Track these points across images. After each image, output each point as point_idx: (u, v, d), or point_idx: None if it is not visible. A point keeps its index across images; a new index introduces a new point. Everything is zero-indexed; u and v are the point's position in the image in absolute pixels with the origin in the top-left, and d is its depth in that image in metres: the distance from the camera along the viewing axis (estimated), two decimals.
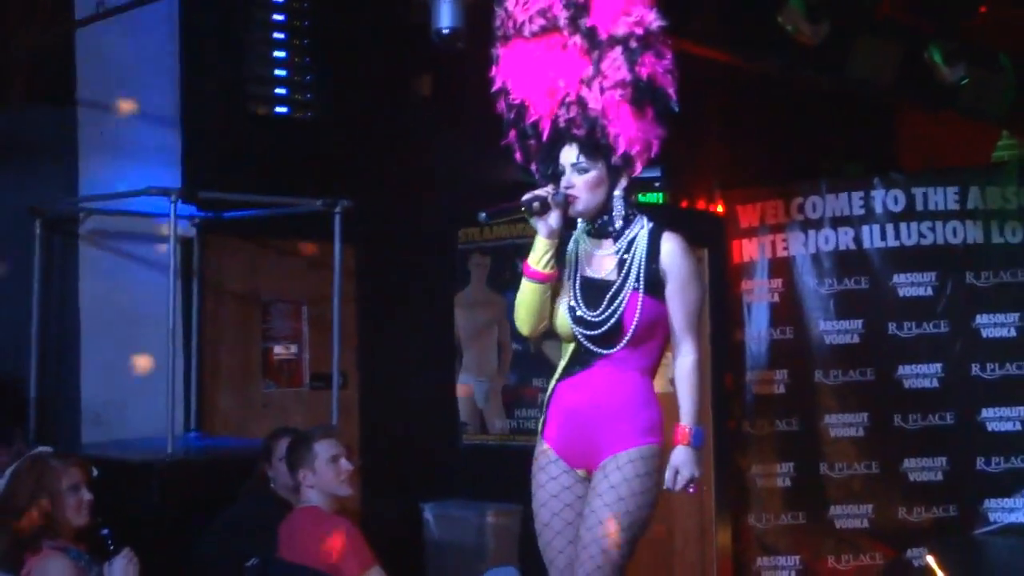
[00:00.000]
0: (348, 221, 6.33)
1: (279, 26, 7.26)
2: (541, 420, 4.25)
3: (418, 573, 7.07)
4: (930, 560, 7.72)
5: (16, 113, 6.47)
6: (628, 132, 3.94)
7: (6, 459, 5.21)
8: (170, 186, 6.01)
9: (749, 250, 8.58)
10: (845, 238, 8.40)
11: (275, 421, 6.46)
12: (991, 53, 7.86)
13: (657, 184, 8.63)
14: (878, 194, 8.35)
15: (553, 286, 4.09)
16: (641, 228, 4.05)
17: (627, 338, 3.97)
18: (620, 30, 3.96)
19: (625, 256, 4.02)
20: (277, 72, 7.28)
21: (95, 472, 4.58)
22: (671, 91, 4.00)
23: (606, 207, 4.04)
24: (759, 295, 8.54)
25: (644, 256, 4.00)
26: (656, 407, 4.04)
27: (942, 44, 7.43)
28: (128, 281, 6.44)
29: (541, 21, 4.07)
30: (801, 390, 8.45)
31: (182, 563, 5.24)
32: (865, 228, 8.37)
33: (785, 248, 8.51)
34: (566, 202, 4.00)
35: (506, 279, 7.02)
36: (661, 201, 8.81)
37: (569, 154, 4.02)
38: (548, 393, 4.22)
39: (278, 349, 7.13)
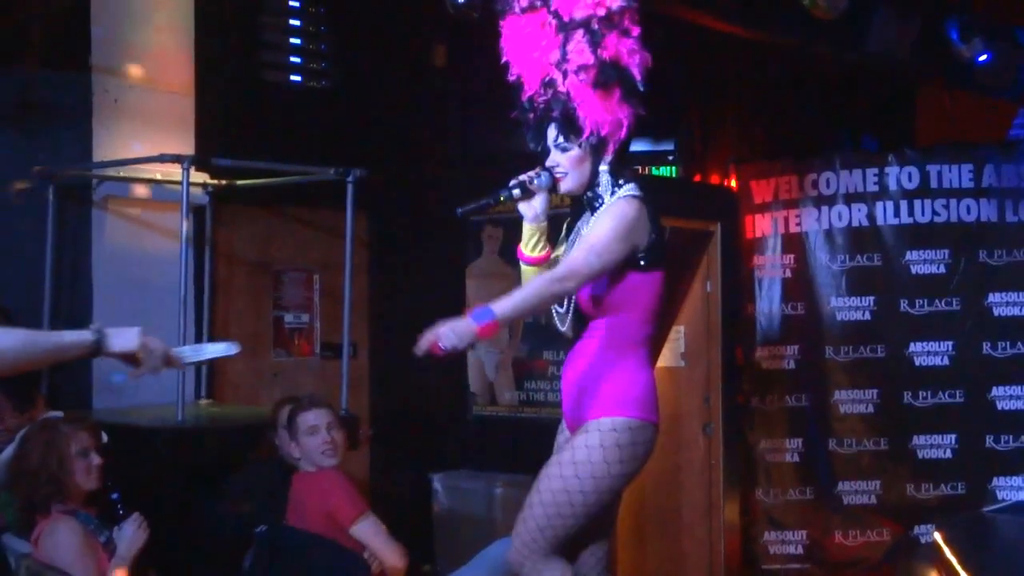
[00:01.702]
0: (361, 190, 6.33)
1: None
2: None
3: (427, 543, 7.10)
4: (938, 537, 7.69)
5: (31, 79, 6.47)
6: (594, 114, 3.91)
7: (16, 422, 5.26)
8: (183, 153, 6.02)
9: (762, 225, 8.55)
10: (858, 214, 8.37)
11: (286, 390, 6.50)
12: (1008, 29, 7.81)
13: (670, 158, 8.64)
14: (892, 171, 8.31)
15: (551, 265, 4.08)
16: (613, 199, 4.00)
17: (571, 310, 4.02)
18: (581, 13, 3.93)
19: None
20: (292, 40, 7.29)
21: (105, 437, 4.60)
22: (636, 70, 3.94)
23: (594, 182, 4.04)
24: (771, 270, 8.52)
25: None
26: (627, 380, 3.97)
27: (959, 19, 7.39)
28: (140, 248, 6.46)
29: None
30: (811, 366, 8.43)
31: (191, 528, 5.27)
32: (879, 204, 8.33)
33: (798, 224, 8.48)
34: (553, 184, 4.01)
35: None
36: (674, 175, 8.81)
37: (551, 133, 4.03)
38: None
39: (289, 318, 7.15)
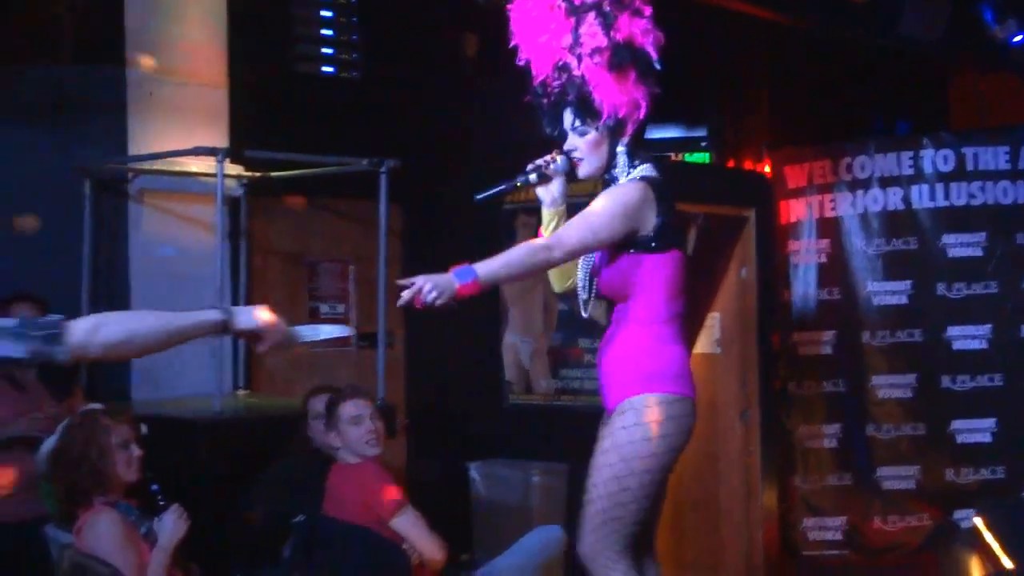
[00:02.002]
0: (394, 180, 6.34)
1: None
2: None
3: (464, 532, 7.11)
4: (978, 522, 7.64)
5: (66, 74, 6.53)
6: (611, 97, 3.89)
7: (55, 411, 5.32)
8: (217, 146, 6.05)
9: (797, 210, 8.52)
10: (894, 198, 8.33)
11: (322, 380, 6.48)
12: None
13: (703, 144, 8.62)
14: (927, 154, 8.26)
15: None
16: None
17: (593, 294, 4.05)
18: None
19: None
20: (323, 32, 7.31)
21: (144, 429, 4.62)
22: (651, 50, 3.93)
23: (612, 164, 4.02)
24: (806, 256, 8.48)
25: None
26: (656, 355, 3.94)
27: (992, 0, 7.34)
28: (176, 240, 6.50)
29: None
30: (848, 351, 8.40)
31: (230, 519, 5.30)
32: (914, 188, 8.29)
33: (833, 208, 8.44)
34: (571, 167, 4.00)
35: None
36: (707, 161, 8.78)
37: (567, 117, 4.01)
38: None
39: (324, 308, 7.18)
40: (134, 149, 6.43)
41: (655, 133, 8.83)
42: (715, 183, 8.22)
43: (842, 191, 8.42)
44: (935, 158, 8.25)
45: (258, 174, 6.67)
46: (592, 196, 4.08)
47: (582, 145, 4.00)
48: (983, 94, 9.51)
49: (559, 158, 4.01)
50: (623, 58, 3.88)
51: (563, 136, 4.05)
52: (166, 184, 6.49)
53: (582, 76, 3.92)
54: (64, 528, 4.51)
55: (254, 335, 3.24)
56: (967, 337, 8.19)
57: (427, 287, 3.59)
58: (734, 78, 8.86)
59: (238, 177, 6.62)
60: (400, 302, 3.64)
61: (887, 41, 7.64)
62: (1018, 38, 7.48)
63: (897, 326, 8.30)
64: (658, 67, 3.95)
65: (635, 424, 3.87)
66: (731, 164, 8.79)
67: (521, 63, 4.07)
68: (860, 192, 8.40)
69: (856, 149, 8.43)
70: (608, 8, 3.90)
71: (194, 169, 6.37)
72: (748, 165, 8.79)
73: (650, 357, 3.94)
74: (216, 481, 5.46)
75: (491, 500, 7.17)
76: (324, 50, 7.30)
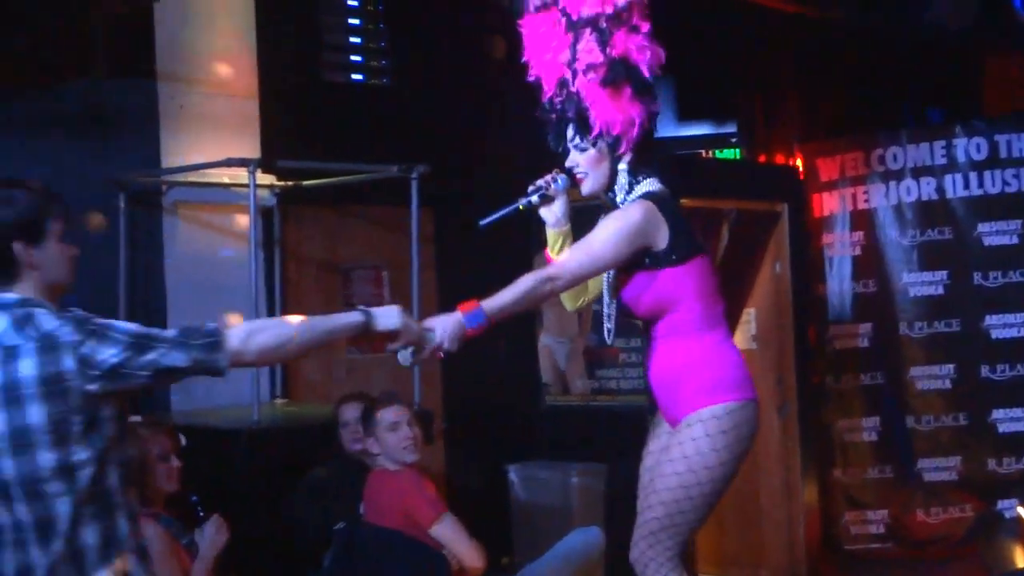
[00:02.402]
0: (425, 185, 6.37)
1: None
2: None
3: (504, 534, 7.13)
4: (1021, 511, 7.62)
5: (98, 87, 6.57)
6: (605, 114, 3.89)
7: None
8: (249, 156, 6.08)
9: (830, 203, 8.49)
10: (927, 188, 8.28)
11: (358, 387, 6.51)
12: None
13: (733, 140, 8.59)
14: (960, 142, 8.21)
15: None
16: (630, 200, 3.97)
17: (637, 318, 4.02)
18: (589, 11, 3.90)
19: None
20: (352, 39, 7.33)
21: (184, 440, 4.66)
22: (646, 67, 3.91)
23: (613, 182, 4.01)
24: (841, 248, 8.45)
25: None
26: (715, 365, 3.97)
27: None
28: (211, 251, 6.54)
29: None
30: (886, 343, 8.36)
31: (270, 528, 5.33)
32: (947, 177, 8.23)
33: (866, 200, 8.40)
34: (573, 184, 4.00)
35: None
36: (738, 157, 8.76)
37: (569, 134, 4.01)
38: None
39: None
40: (167, 161, 6.47)
41: (685, 131, 8.83)
42: (746, 179, 8.21)
43: (875, 182, 8.38)
44: (968, 146, 8.19)
45: (290, 183, 6.70)
46: (589, 204, 4.10)
47: (583, 162, 3.99)
48: (1017, 79, 9.44)
49: (560, 177, 4.02)
50: (618, 74, 3.88)
51: (567, 152, 4.04)
52: (199, 195, 6.54)
53: (578, 92, 3.92)
54: None
55: (391, 335, 3.44)
56: (1005, 326, 8.13)
57: (440, 338, 3.64)
58: (763, 73, 8.83)
59: (270, 187, 6.65)
60: (405, 362, 3.70)
61: (915, 29, 7.60)
62: None
63: (934, 317, 8.25)
64: (653, 84, 3.95)
65: (704, 435, 3.89)
66: (762, 159, 8.75)
67: (532, 78, 4.08)
68: (893, 183, 8.36)
69: (888, 140, 8.38)
70: (604, 24, 3.89)
71: (226, 180, 6.41)
72: (780, 159, 8.76)
73: (710, 367, 3.96)
74: (256, 491, 5.49)
75: (530, 502, 7.18)
76: (353, 58, 7.33)
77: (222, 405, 6.27)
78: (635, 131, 3.93)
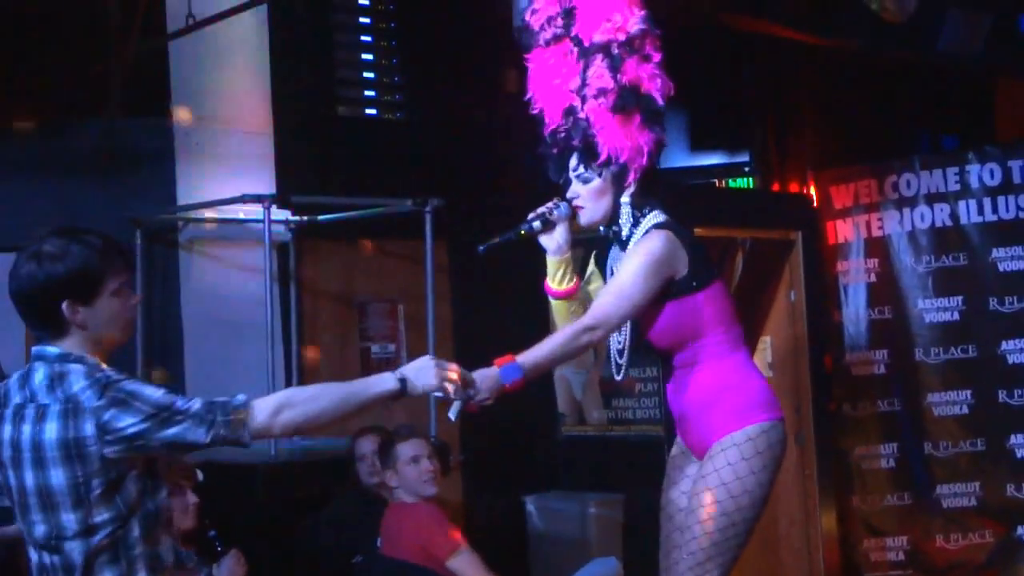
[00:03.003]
0: (440, 218, 6.40)
1: (365, 29, 7.36)
2: None
3: (522, 565, 7.13)
4: None
5: (114, 126, 6.63)
6: (613, 140, 3.86)
7: None
8: (264, 192, 6.13)
9: (844, 231, 8.49)
10: (941, 214, 8.28)
11: (375, 420, 6.53)
12: None
13: (747, 169, 8.60)
14: (973, 168, 8.21)
15: (584, 297, 4.08)
16: (639, 233, 3.94)
17: (659, 350, 3.99)
18: (602, 37, 3.88)
19: None
20: (365, 75, 7.38)
21: (200, 476, 4.68)
22: (657, 95, 3.90)
23: (616, 215, 3.99)
24: (856, 276, 8.45)
25: None
26: (742, 388, 3.96)
27: None
28: (227, 287, 6.58)
29: (551, 30, 4.01)
30: (902, 370, 8.35)
31: (288, 562, 5.34)
32: (961, 203, 8.23)
33: (880, 227, 8.41)
34: (573, 214, 3.97)
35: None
36: (751, 186, 8.78)
37: (572, 163, 3.99)
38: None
39: (375, 348, 7.21)
40: (183, 198, 6.52)
41: (698, 160, 8.84)
42: (760, 208, 8.23)
43: (889, 209, 8.39)
44: (981, 172, 8.20)
45: (305, 218, 6.74)
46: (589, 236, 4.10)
47: (584, 192, 3.97)
48: None
49: (562, 204, 3.98)
50: (628, 101, 3.85)
51: (568, 183, 4.02)
52: (215, 232, 6.58)
53: (587, 118, 3.90)
54: None
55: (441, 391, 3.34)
56: (1021, 351, 8.09)
57: (479, 387, 3.60)
58: (775, 102, 8.85)
59: (285, 222, 6.70)
60: (453, 417, 3.70)
61: (927, 58, 7.62)
62: None
63: (950, 343, 8.24)
64: (662, 113, 3.93)
65: (741, 459, 3.87)
66: (776, 188, 8.77)
67: (536, 111, 4.07)
68: (907, 210, 8.36)
69: (901, 167, 8.39)
70: (616, 51, 3.88)
71: (242, 216, 6.46)
72: (794, 188, 8.77)
73: (738, 390, 3.96)
74: (273, 525, 5.51)
75: (548, 533, 7.19)
76: (367, 93, 7.38)
77: None
78: (642, 160, 3.92)
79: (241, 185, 6.29)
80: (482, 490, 7.20)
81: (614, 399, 7.40)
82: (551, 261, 4.04)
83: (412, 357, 7.03)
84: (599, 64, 3.89)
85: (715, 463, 3.90)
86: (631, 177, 3.94)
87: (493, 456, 7.27)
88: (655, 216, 3.97)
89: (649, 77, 3.91)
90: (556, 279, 4.05)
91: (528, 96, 4.11)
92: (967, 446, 8.21)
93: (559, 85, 4.00)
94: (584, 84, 3.92)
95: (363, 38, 7.38)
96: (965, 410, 8.21)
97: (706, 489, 3.90)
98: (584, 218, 4.00)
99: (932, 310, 8.26)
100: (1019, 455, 8.12)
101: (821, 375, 8.09)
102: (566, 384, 7.61)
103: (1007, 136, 9.19)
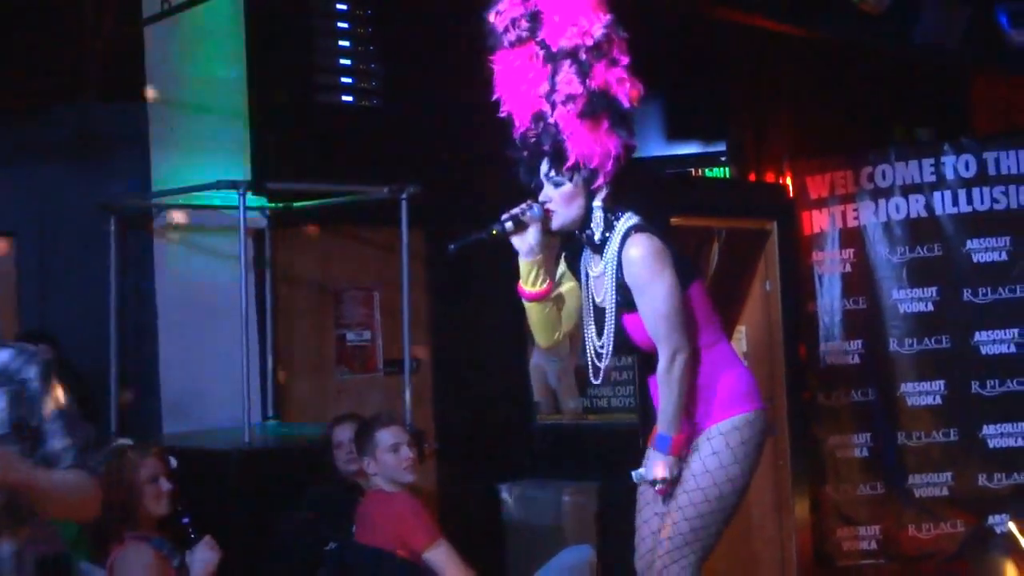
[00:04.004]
0: (417, 206, 6.38)
1: (342, 15, 7.31)
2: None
3: (497, 554, 7.13)
4: (1012, 527, 7.65)
5: (89, 111, 6.60)
6: (582, 146, 3.87)
7: None
8: (239, 178, 6.10)
9: (819, 221, 8.53)
10: (916, 205, 8.33)
11: (350, 407, 6.54)
12: None
13: (723, 159, 8.62)
14: (949, 160, 8.26)
15: (555, 299, 4.11)
16: (616, 237, 3.96)
17: (644, 352, 4.01)
18: (568, 42, 3.88)
19: (607, 274, 3.99)
20: (342, 61, 7.34)
21: (174, 462, 4.66)
22: (625, 100, 3.90)
23: (588, 219, 3.99)
24: (831, 266, 8.49)
25: (614, 274, 3.96)
26: (727, 379, 4.02)
27: (1008, 6, 7.35)
28: (202, 273, 6.55)
29: (516, 32, 3.99)
30: (876, 360, 8.40)
31: (262, 550, 5.33)
32: (936, 195, 8.29)
33: (856, 218, 8.45)
34: (545, 216, 3.97)
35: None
36: (727, 176, 8.79)
37: (544, 167, 3.99)
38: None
39: (351, 336, 7.20)
40: (158, 184, 6.49)
41: (675, 150, 8.85)
42: (736, 198, 8.25)
43: (864, 200, 8.43)
44: (956, 164, 8.25)
45: (281, 205, 6.72)
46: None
47: (556, 196, 3.97)
48: (1005, 99, 9.50)
49: (535, 206, 3.97)
50: (596, 106, 3.85)
51: (539, 186, 4.02)
52: (190, 218, 6.55)
53: (556, 124, 3.89)
54: (97, 564, 4.56)
55: None
56: (995, 342, 8.17)
57: (654, 473, 3.97)
58: (752, 92, 8.87)
59: (261, 209, 6.67)
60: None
61: (905, 50, 7.64)
62: None
63: (924, 333, 8.29)
64: (631, 117, 3.94)
65: (726, 447, 3.97)
66: (752, 178, 8.79)
67: (504, 114, 4.05)
68: (883, 200, 8.41)
69: (877, 158, 8.44)
70: (584, 56, 3.87)
71: (217, 202, 6.43)
72: (770, 178, 8.80)
73: (722, 382, 4.03)
74: (247, 512, 5.50)
75: (522, 521, 7.18)
76: (343, 79, 7.35)
77: (214, 427, 6.29)
78: (611, 164, 3.91)
79: (216, 171, 6.26)
80: (457, 478, 7.20)
81: (589, 388, 7.41)
82: (523, 263, 4.05)
83: (387, 344, 7.14)
84: (567, 69, 3.88)
85: (701, 452, 3.98)
86: (600, 180, 3.94)
87: (468, 444, 7.27)
88: (628, 218, 3.98)
89: (617, 81, 3.91)
90: (529, 281, 4.06)
91: (495, 98, 4.07)
92: (940, 436, 8.27)
93: (526, 89, 3.97)
94: (553, 90, 3.91)
95: (340, 24, 7.33)
96: (938, 400, 8.28)
97: (691, 477, 3.97)
98: (556, 222, 4.00)
99: (906, 300, 8.32)
100: (991, 445, 8.18)
101: (796, 365, 8.12)
102: (541, 373, 7.62)
103: (983, 130, 9.24)
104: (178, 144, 6.57)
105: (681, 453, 3.94)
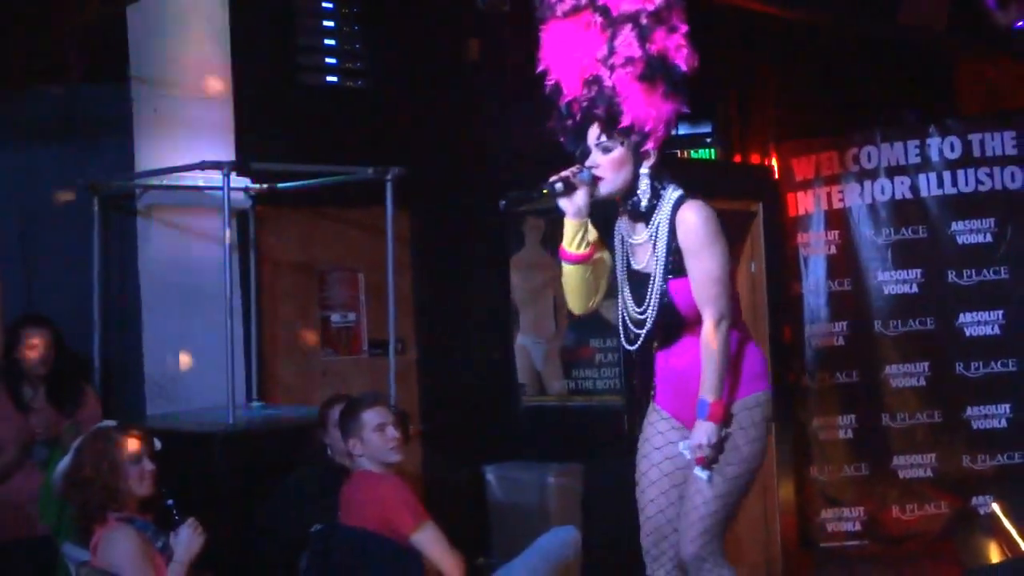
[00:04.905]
0: (401, 188, 6.37)
1: None
2: (652, 388, 4.30)
3: (482, 535, 7.13)
4: (996, 508, 7.68)
5: (72, 93, 6.57)
6: (638, 110, 3.89)
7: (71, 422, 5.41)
8: (224, 159, 6.08)
9: (805, 203, 8.54)
10: (901, 187, 8.34)
11: (335, 389, 6.52)
12: None
13: (708, 140, 8.61)
14: (934, 142, 8.27)
15: (595, 263, 4.12)
16: (667, 205, 4.01)
17: (685, 329, 4.04)
18: (630, 6, 3.92)
19: (655, 241, 4.02)
20: (326, 42, 7.32)
21: (157, 444, 4.65)
22: (683, 66, 3.95)
23: (634, 186, 4.03)
24: (816, 247, 8.51)
25: (667, 239, 3.98)
26: (748, 357, 4.09)
27: None
28: (186, 255, 6.52)
29: (570, 1, 4.03)
30: (861, 341, 8.42)
31: (246, 531, 5.32)
32: (922, 176, 8.30)
33: (841, 199, 8.46)
34: (593, 180, 3.98)
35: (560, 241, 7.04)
36: (712, 157, 8.79)
37: (593, 133, 4.01)
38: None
39: (336, 317, 7.18)
40: (141, 165, 6.46)
41: None
42: (721, 179, 8.24)
43: (850, 182, 8.44)
44: (942, 146, 8.26)
45: (265, 186, 6.69)
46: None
47: (604, 163, 3.99)
48: (991, 80, 9.50)
49: (585, 171, 3.99)
50: (655, 70, 3.90)
51: (586, 154, 4.03)
52: (174, 199, 6.52)
53: (612, 87, 3.92)
54: (81, 545, 4.55)
55: None
56: (979, 323, 8.20)
57: (697, 439, 3.93)
58: (738, 73, 8.85)
59: (245, 189, 6.65)
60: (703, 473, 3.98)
61: (890, 31, 7.64)
62: (1021, 24, 7.46)
63: (909, 315, 8.32)
64: (685, 84, 3.98)
65: (751, 424, 4.03)
66: (737, 159, 8.79)
67: (549, 86, 4.08)
68: (868, 182, 8.42)
69: (863, 139, 8.44)
70: (645, 21, 3.91)
71: (201, 183, 6.40)
72: (755, 159, 8.79)
73: (744, 359, 4.09)
74: (231, 494, 5.49)
75: (507, 503, 7.19)
76: (328, 60, 7.32)
77: (198, 408, 6.27)
78: (663, 129, 3.96)
79: (200, 152, 6.24)
80: (442, 460, 7.19)
81: (574, 369, 7.41)
82: (569, 224, 4.05)
83: (372, 326, 7.13)
84: (627, 33, 3.92)
85: (728, 426, 4.02)
86: (650, 145, 3.97)
87: (453, 426, 7.27)
88: (676, 189, 4.04)
89: (675, 48, 3.95)
90: (574, 243, 4.06)
91: (541, 68, 4.10)
92: (924, 417, 8.31)
93: (579, 56, 4.00)
94: (611, 53, 3.93)
95: (324, 5, 7.30)
96: (923, 382, 8.31)
97: (720, 455, 4.01)
98: (604, 188, 4.02)
99: (891, 282, 8.34)
100: (975, 427, 8.22)
101: (781, 346, 8.13)
102: (526, 354, 7.62)
103: (968, 112, 9.25)
104: (162, 125, 6.53)
105: (720, 420, 3.94)
